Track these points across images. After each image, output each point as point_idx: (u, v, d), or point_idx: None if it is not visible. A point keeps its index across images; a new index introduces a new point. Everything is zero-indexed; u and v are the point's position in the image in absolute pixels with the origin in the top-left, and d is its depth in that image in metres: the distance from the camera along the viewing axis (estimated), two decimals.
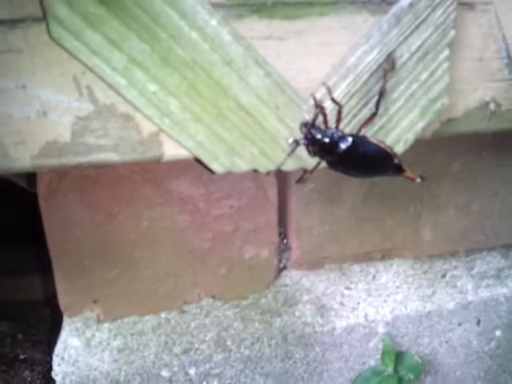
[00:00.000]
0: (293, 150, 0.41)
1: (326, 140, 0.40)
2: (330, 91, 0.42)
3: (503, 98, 0.49)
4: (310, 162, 0.42)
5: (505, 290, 0.62)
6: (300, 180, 0.43)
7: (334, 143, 0.40)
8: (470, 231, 0.59)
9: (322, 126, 0.41)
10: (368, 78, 0.43)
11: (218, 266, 0.52)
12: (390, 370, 0.58)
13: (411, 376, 0.58)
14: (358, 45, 0.43)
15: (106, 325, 0.51)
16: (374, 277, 0.59)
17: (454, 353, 0.63)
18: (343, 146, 0.40)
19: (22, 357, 0.97)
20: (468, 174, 0.57)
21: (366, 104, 0.44)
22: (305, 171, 0.43)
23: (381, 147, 0.41)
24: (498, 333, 0.64)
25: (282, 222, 0.55)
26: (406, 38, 0.43)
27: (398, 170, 0.43)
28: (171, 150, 0.41)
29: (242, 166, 0.41)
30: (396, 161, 0.43)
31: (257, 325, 0.54)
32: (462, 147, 0.55)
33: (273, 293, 0.55)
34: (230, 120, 0.39)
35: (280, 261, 0.56)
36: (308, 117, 0.41)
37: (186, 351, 0.52)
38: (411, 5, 0.43)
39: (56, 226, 0.48)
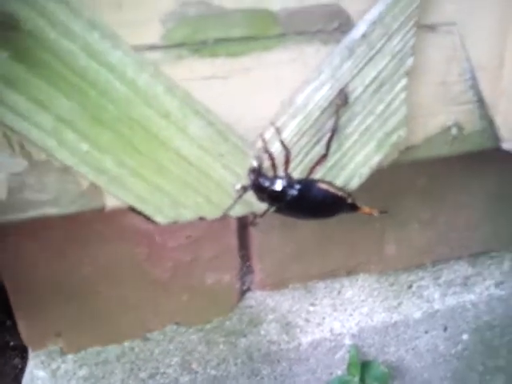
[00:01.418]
0: (240, 197, 0.39)
1: (274, 188, 0.38)
2: (278, 132, 0.40)
3: (467, 121, 0.47)
4: (260, 206, 0.41)
5: (472, 297, 0.63)
6: (251, 224, 0.42)
7: (282, 192, 0.38)
8: (435, 244, 0.59)
9: (271, 172, 0.40)
10: (319, 115, 0.41)
11: (179, 293, 0.52)
12: (356, 379, 0.59)
13: None
14: (308, 80, 0.40)
15: (71, 356, 0.52)
16: (339, 292, 0.59)
17: (421, 358, 0.64)
18: (291, 193, 0.39)
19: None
20: (433, 188, 0.56)
21: (318, 141, 0.42)
22: (255, 215, 0.41)
23: (331, 192, 0.40)
24: (465, 336, 0.65)
25: (244, 245, 0.54)
26: (360, 70, 0.41)
27: (353, 208, 0.42)
28: (113, 201, 0.39)
29: (188, 215, 0.40)
30: (349, 201, 0.42)
31: (221, 346, 0.55)
32: (427, 162, 0.53)
33: (237, 315, 0.55)
34: (171, 172, 0.38)
35: (243, 283, 0.55)
36: (256, 162, 0.40)
37: (152, 376, 0.53)
38: (364, 35, 0.40)
39: (11, 266, 0.48)
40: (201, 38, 0.38)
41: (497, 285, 0.64)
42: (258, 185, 0.38)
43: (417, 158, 0.47)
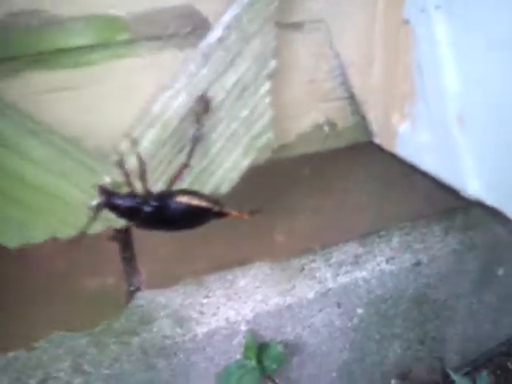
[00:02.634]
0: (95, 215, 0.38)
1: (126, 206, 0.37)
2: (134, 144, 0.38)
3: (339, 117, 0.47)
4: (120, 221, 0.39)
5: (364, 273, 0.66)
6: (111, 239, 0.40)
7: (135, 209, 0.37)
8: (324, 229, 0.60)
9: (128, 187, 0.38)
10: (179, 123, 0.39)
11: (60, 302, 0.51)
12: (253, 363, 0.61)
13: (274, 366, 0.62)
14: (163, 89, 0.38)
15: None
16: (232, 282, 0.59)
17: (318, 333, 0.67)
18: (146, 210, 0.37)
19: None
20: (318, 178, 0.56)
21: (181, 150, 0.40)
22: (116, 230, 0.40)
23: (193, 205, 0.39)
24: (359, 310, 0.68)
25: (128, 246, 0.53)
26: (219, 75, 0.39)
27: (220, 215, 0.42)
28: None
29: (39, 236, 0.38)
30: (215, 209, 0.41)
31: (113, 347, 0.54)
32: (310, 152, 0.54)
33: (126, 315, 0.55)
34: (15, 197, 0.35)
35: (131, 284, 0.55)
36: (108, 179, 0.38)
37: (43, 381, 0.52)
38: (221, 39, 0.38)
39: None
40: (38, 49, 0.34)
41: (387, 261, 0.67)
42: (110, 204, 0.36)
43: (291, 156, 0.47)
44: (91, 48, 0.36)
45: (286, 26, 0.40)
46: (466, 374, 0.80)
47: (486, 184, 0.36)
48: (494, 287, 0.76)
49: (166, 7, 0.37)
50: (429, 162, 0.41)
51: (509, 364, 0.81)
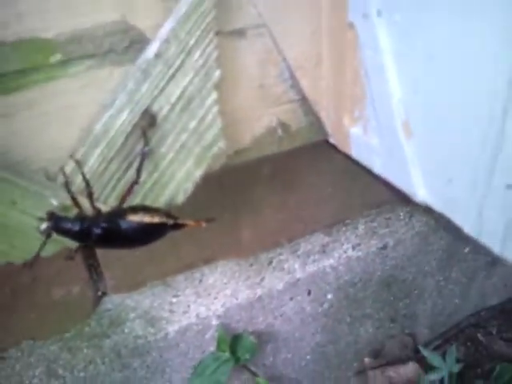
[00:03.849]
0: (47, 239, 0.38)
1: (75, 230, 0.37)
2: (79, 165, 0.38)
3: (292, 119, 0.46)
4: (72, 242, 0.39)
5: (331, 261, 0.67)
6: (67, 258, 0.40)
7: (84, 232, 0.37)
8: (289, 223, 0.61)
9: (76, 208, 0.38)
10: (125, 140, 0.39)
11: (26, 312, 0.51)
12: (226, 354, 0.63)
13: (247, 356, 0.64)
14: (104, 107, 0.37)
15: None
16: (200, 281, 0.60)
17: (290, 321, 0.69)
18: (96, 232, 0.37)
19: None
20: (280, 175, 0.56)
21: (129, 166, 0.40)
22: (70, 250, 0.40)
23: (145, 222, 0.39)
24: (329, 296, 0.70)
25: (91, 253, 0.53)
26: (162, 89, 0.38)
27: (177, 227, 0.42)
28: None
29: None
30: (170, 223, 0.41)
31: (86, 350, 0.55)
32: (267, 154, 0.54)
33: (95, 320, 0.56)
34: None
35: (97, 290, 0.55)
36: (55, 202, 0.37)
37: None
38: (158, 55, 0.37)
39: None
40: None
41: (354, 247, 0.68)
42: (59, 228, 0.36)
43: (247, 160, 0.47)
44: (22, 73, 0.35)
45: (228, 34, 0.39)
46: (437, 347, 0.83)
47: (432, 192, 0.36)
48: (461, 264, 0.78)
49: (98, 24, 0.35)
50: (379, 166, 0.41)
51: (478, 335, 0.84)
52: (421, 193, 0.38)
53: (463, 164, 0.34)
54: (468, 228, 0.35)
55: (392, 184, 0.41)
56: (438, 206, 0.37)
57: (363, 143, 0.43)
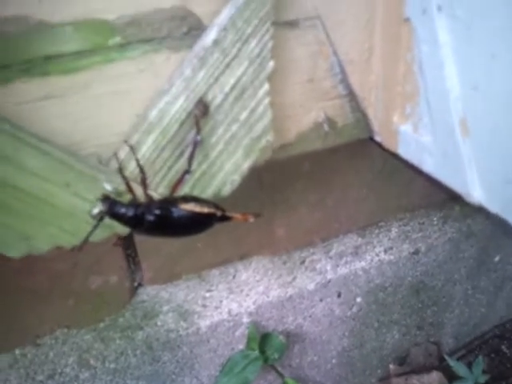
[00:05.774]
0: (98, 223, 0.38)
1: (129, 215, 0.37)
2: (133, 151, 0.38)
3: (339, 115, 0.46)
4: (122, 228, 0.39)
5: (363, 264, 0.66)
6: (115, 245, 0.40)
7: (138, 218, 0.37)
8: (324, 222, 0.61)
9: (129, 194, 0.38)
10: (178, 128, 0.39)
11: (63, 300, 0.51)
12: (256, 353, 0.63)
13: (276, 356, 0.63)
14: (160, 93, 0.37)
15: None
16: (234, 276, 0.60)
17: (318, 323, 0.68)
18: (149, 219, 0.37)
19: None
20: (319, 173, 0.56)
21: (181, 155, 0.40)
22: (118, 237, 0.40)
23: (196, 212, 0.39)
24: (358, 299, 0.69)
25: (130, 243, 0.53)
26: (217, 78, 0.38)
27: (224, 219, 0.42)
28: None
29: (43, 246, 0.38)
30: (218, 214, 0.41)
31: (118, 341, 0.55)
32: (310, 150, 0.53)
33: (130, 311, 0.56)
34: (14, 208, 0.35)
35: (133, 280, 0.55)
36: (109, 186, 0.37)
37: (50, 377, 0.53)
38: (216, 42, 0.37)
39: None
40: (26, 57, 0.34)
41: (386, 250, 0.67)
42: (113, 213, 0.36)
43: (291, 155, 0.46)
44: (81, 54, 0.35)
45: (282, 24, 0.39)
46: (462, 356, 0.82)
47: (489, 192, 0.36)
48: (490, 273, 0.77)
49: (158, 9, 0.36)
50: (431, 165, 0.41)
51: (503, 347, 0.82)
52: (476, 193, 0.37)
53: None
54: None
55: (443, 184, 0.41)
56: (494, 208, 0.36)
57: (413, 141, 0.42)
